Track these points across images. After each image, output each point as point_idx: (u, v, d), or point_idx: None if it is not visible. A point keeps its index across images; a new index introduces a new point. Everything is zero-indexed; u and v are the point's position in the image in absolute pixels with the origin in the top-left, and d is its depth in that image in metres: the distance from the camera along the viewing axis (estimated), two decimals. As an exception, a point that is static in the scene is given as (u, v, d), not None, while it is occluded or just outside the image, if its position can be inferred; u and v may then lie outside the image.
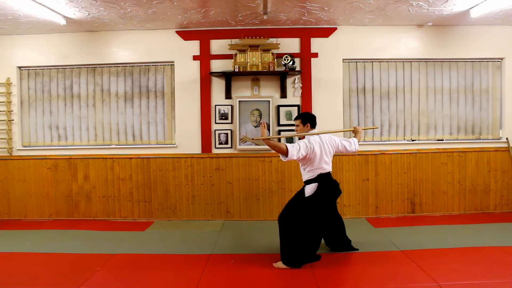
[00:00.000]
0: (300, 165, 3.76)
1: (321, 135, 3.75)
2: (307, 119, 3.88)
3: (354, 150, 3.94)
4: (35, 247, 4.25)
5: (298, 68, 5.31)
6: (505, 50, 5.44)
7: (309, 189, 3.64)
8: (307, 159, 3.60)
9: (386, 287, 3.11)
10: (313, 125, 3.86)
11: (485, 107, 5.54)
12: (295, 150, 3.47)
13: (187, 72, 5.39)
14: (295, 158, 3.50)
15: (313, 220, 3.59)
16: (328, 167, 3.71)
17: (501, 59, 5.50)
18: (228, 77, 5.29)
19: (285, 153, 3.46)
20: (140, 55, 5.45)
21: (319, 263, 3.64)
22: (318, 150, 3.60)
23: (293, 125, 5.33)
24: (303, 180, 3.74)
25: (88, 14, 4.67)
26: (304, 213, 3.58)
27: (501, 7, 4.60)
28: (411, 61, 5.50)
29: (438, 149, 5.44)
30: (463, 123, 5.54)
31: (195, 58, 5.38)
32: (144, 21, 5.04)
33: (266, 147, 5.28)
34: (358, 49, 5.41)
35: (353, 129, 4.16)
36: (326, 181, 3.66)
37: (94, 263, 3.68)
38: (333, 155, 3.82)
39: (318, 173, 3.64)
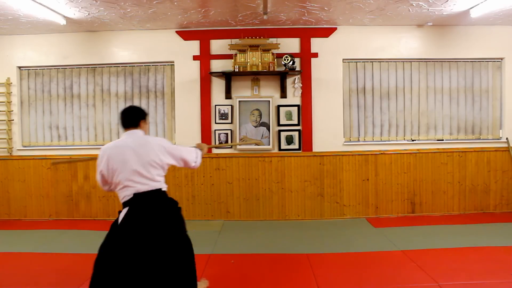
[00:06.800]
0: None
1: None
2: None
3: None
4: (35, 247, 4.25)
5: (298, 68, 5.31)
6: (505, 50, 5.44)
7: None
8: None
9: (386, 287, 3.11)
10: (124, 124, 2.70)
11: (485, 107, 5.54)
12: None
13: (187, 72, 5.39)
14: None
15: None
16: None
17: (501, 59, 5.50)
18: (228, 77, 5.29)
19: None
20: (140, 55, 5.45)
21: (319, 263, 3.63)
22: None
23: (293, 125, 5.37)
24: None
25: (88, 14, 4.67)
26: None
27: (501, 7, 4.60)
28: (411, 61, 5.50)
29: (438, 149, 5.44)
30: (463, 123, 5.54)
31: (195, 58, 5.38)
32: (144, 21, 5.04)
33: (267, 146, 5.31)
34: (358, 49, 5.40)
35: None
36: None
37: (94, 263, 3.68)
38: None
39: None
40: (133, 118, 2.70)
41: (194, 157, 2.85)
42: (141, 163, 2.51)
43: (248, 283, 3.26)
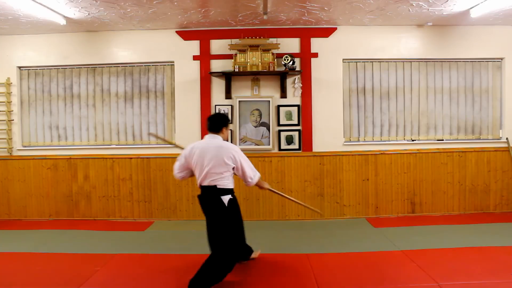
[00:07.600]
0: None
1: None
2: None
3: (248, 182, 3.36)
4: (35, 247, 4.25)
5: (298, 68, 5.31)
6: (505, 50, 5.44)
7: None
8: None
9: (386, 287, 3.11)
10: (209, 128, 3.36)
11: (485, 107, 5.54)
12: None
13: (187, 72, 5.39)
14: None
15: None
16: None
17: (501, 59, 5.50)
18: (228, 77, 5.29)
19: None
20: (140, 55, 5.45)
21: (319, 263, 3.64)
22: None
23: (292, 125, 5.37)
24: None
25: (88, 14, 4.67)
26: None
27: (501, 7, 4.61)
28: (411, 61, 5.50)
29: (438, 149, 5.44)
30: (463, 123, 5.54)
31: (195, 58, 5.38)
32: (144, 21, 5.04)
33: (267, 147, 5.31)
34: (358, 49, 5.40)
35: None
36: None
37: (94, 263, 3.68)
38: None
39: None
40: (217, 124, 3.31)
41: (252, 175, 3.30)
42: (210, 164, 3.13)
43: (248, 283, 3.26)
